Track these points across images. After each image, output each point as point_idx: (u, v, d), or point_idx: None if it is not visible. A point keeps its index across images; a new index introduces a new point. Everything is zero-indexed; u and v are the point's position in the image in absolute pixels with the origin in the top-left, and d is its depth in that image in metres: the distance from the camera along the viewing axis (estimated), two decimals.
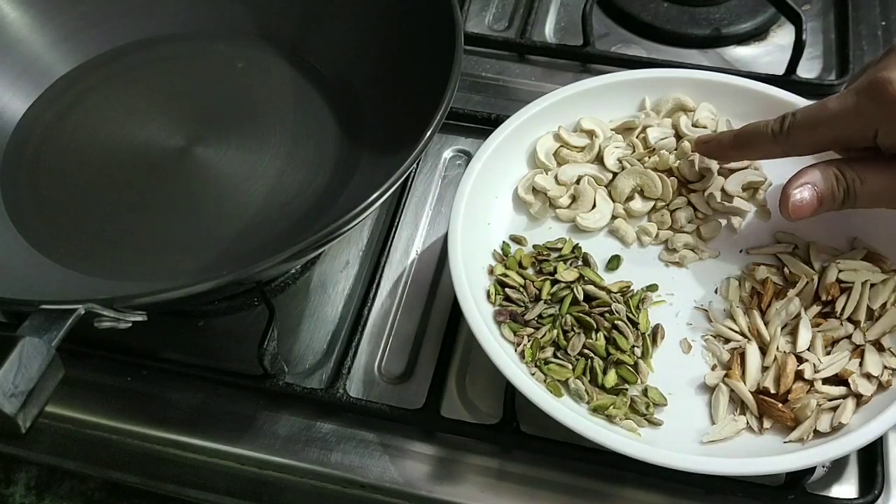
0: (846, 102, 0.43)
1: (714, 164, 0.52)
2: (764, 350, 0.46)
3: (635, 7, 0.69)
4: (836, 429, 0.43)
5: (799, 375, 0.45)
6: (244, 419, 0.49)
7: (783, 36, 0.68)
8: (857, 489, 0.46)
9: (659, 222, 0.52)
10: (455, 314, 0.51)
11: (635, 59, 0.64)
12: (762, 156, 0.49)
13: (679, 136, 0.54)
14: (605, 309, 0.48)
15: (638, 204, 0.52)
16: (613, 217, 0.53)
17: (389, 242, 0.55)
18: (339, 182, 0.54)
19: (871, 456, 0.46)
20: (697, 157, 0.52)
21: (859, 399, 0.44)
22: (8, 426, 0.34)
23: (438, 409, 0.48)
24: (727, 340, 0.47)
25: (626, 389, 0.45)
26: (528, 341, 0.46)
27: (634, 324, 0.47)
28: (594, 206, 0.52)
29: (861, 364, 0.45)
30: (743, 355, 0.46)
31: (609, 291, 0.48)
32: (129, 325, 0.38)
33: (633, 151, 0.54)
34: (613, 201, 0.53)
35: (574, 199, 0.53)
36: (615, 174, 0.53)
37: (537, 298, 0.48)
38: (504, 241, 0.52)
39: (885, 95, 0.41)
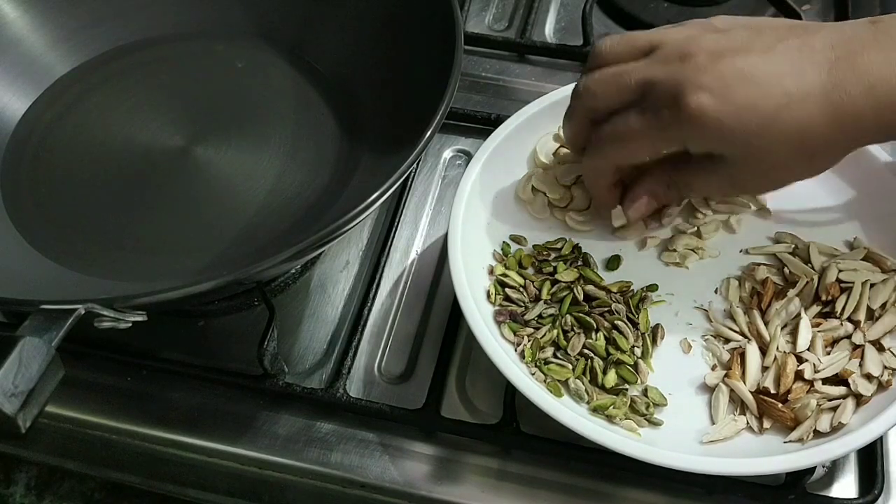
0: (650, 123, 0.43)
1: None
2: (764, 350, 0.46)
3: (635, 7, 0.69)
4: (836, 429, 0.43)
5: (799, 375, 0.45)
6: (244, 419, 0.49)
7: None
8: (857, 489, 0.46)
9: (647, 220, 0.52)
10: (455, 314, 0.51)
11: None
12: (594, 176, 0.49)
13: None
14: (605, 309, 0.48)
15: None
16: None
17: (389, 242, 0.55)
18: (339, 182, 0.54)
19: (871, 456, 0.46)
20: None
21: (859, 399, 0.44)
22: (8, 426, 0.34)
23: (438, 409, 0.48)
24: (727, 340, 0.47)
25: (626, 389, 0.45)
26: (528, 341, 0.46)
27: (634, 324, 0.47)
28: (589, 206, 0.52)
29: (861, 364, 0.45)
30: (743, 355, 0.46)
31: (609, 291, 0.48)
32: (129, 325, 0.38)
33: None
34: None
35: (573, 198, 0.53)
36: None
37: (537, 298, 0.48)
38: (504, 241, 0.52)
39: (687, 116, 0.41)
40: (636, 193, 0.49)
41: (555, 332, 0.47)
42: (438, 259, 0.55)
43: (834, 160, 0.44)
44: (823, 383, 0.44)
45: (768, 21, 0.45)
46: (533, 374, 0.45)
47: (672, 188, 0.48)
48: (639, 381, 0.46)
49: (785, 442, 0.43)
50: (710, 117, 0.41)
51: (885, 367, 0.44)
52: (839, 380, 0.45)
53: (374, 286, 0.53)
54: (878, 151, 0.51)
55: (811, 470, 0.44)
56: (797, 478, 0.44)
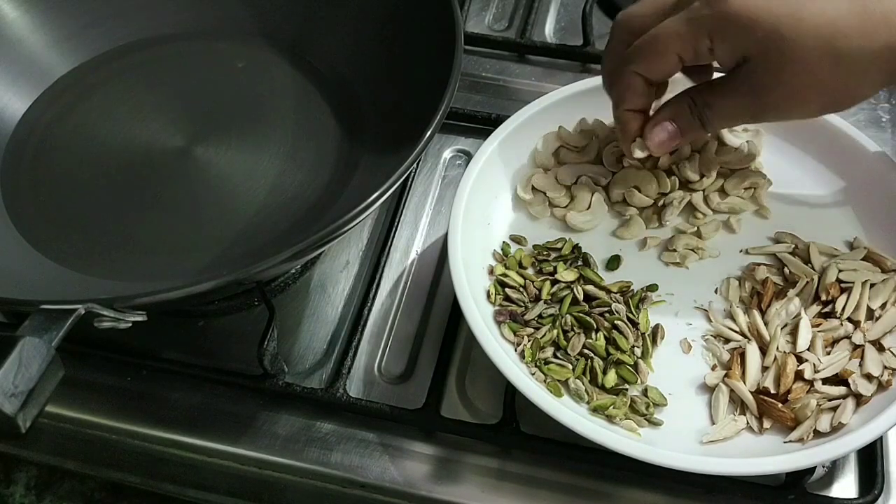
0: (680, 21, 0.43)
1: (714, 166, 0.52)
2: (764, 350, 0.46)
3: None
4: (836, 429, 0.43)
5: (799, 375, 0.45)
6: (244, 419, 0.49)
7: None
8: (857, 489, 0.46)
9: (647, 220, 0.52)
10: (455, 314, 0.51)
11: None
12: (626, 96, 0.48)
13: None
14: (605, 309, 0.48)
15: (634, 202, 0.52)
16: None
17: (389, 242, 0.55)
18: (339, 182, 0.54)
19: (871, 456, 0.46)
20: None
21: (859, 399, 0.44)
22: (8, 426, 0.34)
23: (438, 409, 0.48)
24: (727, 340, 0.47)
25: (626, 389, 0.45)
26: (528, 341, 0.46)
27: (634, 324, 0.47)
28: (589, 206, 0.52)
29: (861, 364, 0.45)
30: (743, 355, 0.46)
31: (609, 291, 0.48)
32: (129, 325, 0.38)
33: None
34: (612, 203, 0.53)
35: (573, 198, 0.53)
36: (615, 174, 0.53)
37: (537, 298, 0.48)
38: (504, 241, 0.52)
39: (714, 4, 0.42)
40: (658, 117, 0.48)
41: (555, 332, 0.47)
42: (438, 259, 0.55)
43: (867, 83, 0.43)
44: (823, 383, 0.44)
45: None
46: (533, 374, 0.45)
47: (693, 111, 0.46)
48: (639, 381, 0.46)
49: (785, 442, 0.43)
50: (739, 5, 0.41)
51: (885, 367, 0.44)
52: (839, 380, 0.45)
53: (374, 286, 0.53)
54: (879, 151, 0.51)
55: (811, 470, 0.44)
56: (797, 478, 0.44)
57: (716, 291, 0.50)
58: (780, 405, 0.44)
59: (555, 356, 0.46)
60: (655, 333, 0.48)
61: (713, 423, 0.45)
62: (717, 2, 0.42)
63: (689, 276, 0.50)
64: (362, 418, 0.49)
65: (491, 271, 0.50)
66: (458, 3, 0.53)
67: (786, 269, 0.49)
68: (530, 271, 0.50)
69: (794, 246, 0.50)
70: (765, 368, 0.46)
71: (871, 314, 0.46)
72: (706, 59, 0.44)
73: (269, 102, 0.59)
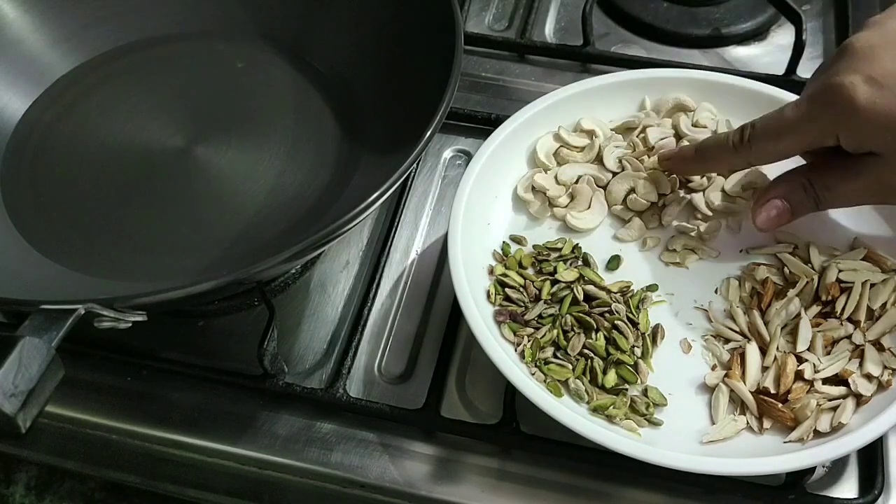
0: (802, 111, 0.43)
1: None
2: (764, 350, 0.46)
3: (635, 7, 0.69)
4: (836, 429, 0.43)
5: (799, 375, 0.45)
6: (244, 419, 0.49)
7: (783, 36, 0.68)
8: (857, 489, 0.46)
9: (647, 220, 0.52)
10: (455, 314, 0.51)
11: (635, 59, 0.64)
12: (725, 168, 0.50)
13: (679, 136, 0.54)
14: (605, 309, 0.48)
15: (633, 205, 0.52)
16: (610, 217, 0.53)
17: (389, 242, 0.55)
18: (339, 182, 0.54)
19: (871, 456, 0.46)
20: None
21: (859, 399, 0.44)
22: (8, 426, 0.34)
23: (438, 409, 0.48)
24: (727, 340, 0.47)
25: (626, 389, 0.45)
26: (528, 341, 0.46)
27: (634, 324, 0.47)
28: (589, 206, 0.52)
29: (861, 364, 0.45)
30: (743, 355, 0.46)
31: (609, 291, 0.48)
32: (129, 325, 0.38)
33: (633, 151, 0.54)
34: (612, 203, 0.53)
35: (573, 198, 0.53)
36: (615, 174, 0.53)
37: (537, 298, 0.48)
38: (504, 241, 0.52)
39: (839, 101, 0.41)
40: (768, 195, 0.47)
41: (555, 332, 0.47)
42: (438, 259, 0.55)
43: None
44: (823, 383, 0.44)
45: None
46: (533, 374, 0.45)
47: (808, 192, 0.46)
48: (639, 381, 0.46)
49: (785, 442, 0.43)
50: (867, 104, 0.40)
51: (885, 367, 0.44)
52: (839, 380, 0.45)
53: (374, 286, 0.53)
54: None
55: (811, 470, 0.44)
56: (797, 478, 0.44)
57: (716, 291, 0.50)
58: (780, 405, 0.44)
59: (555, 356, 0.46)
60: (655, 333, 0.48)
61: (713, 423, 0.45)
62: (840, 93, 0.41)
63: (689, 276, 0.50)
64: (362, 418, 0.49)
65: (491, 271, 0.50)
66: (458, 3, 0.53)
67: (786, 269, 0.49)
68: (530, 271, 0.50)
69: (794, 246, 0.50)
70: (765, 368, 0.46)
71: (871, 314, 0.46)
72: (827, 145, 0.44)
73: (270, 103, 0.59)
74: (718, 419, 0.44)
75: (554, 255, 0.50)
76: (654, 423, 0.44)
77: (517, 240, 0.52)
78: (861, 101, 0.40)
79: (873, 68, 0.40)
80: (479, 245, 0.50)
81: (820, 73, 0.44)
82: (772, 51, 0.67)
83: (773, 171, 0.53)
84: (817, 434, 0.43)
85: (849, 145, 0.43)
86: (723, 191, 0.52)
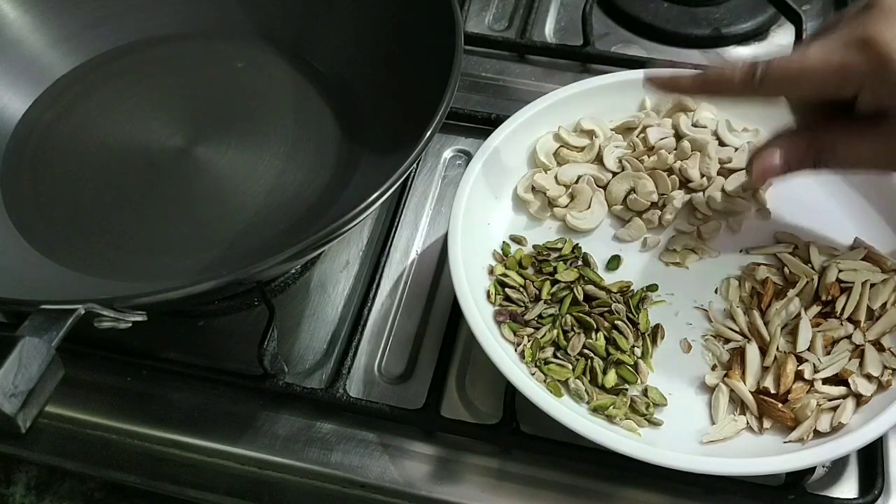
0: (831, 56, 0.40)
1: (714, 166, 0.52)
2: (764, 350, 0.46)
3: (635, 7, 0.69)
4: (836, 429, 0.43)
5: (799, 375, 0.45)
6: (244, 419, 0.49)
7: (783, 36, 0.68)
8: (857, 489, 0.46)
9: (647, 220, 0.52)
10: (455, 314, 0.51)
11: (635, 59, 0.64)
12: (725, 96, 0.46)
13: (679, 136, 0.54)
14: (605, 309, 0.48)
15: (633, 205, 0.52)
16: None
17: (389, 242, 0.55)
18: (339, 182, 0.54)
19: (871, 456, 0.46)
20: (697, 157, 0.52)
21: (859, 399, 0.44)
22: (8, 426, 0.34)
23: (438, 409, 0.48)
24: (727, 340, 0.47)
25: (626, 389, 0.45)
26: (528, 341, 0.46)
27: (634, 324, 0.47)
28: (589, 206, 0.52)
29: (861, 364, 0.45)
30: (743, 355, 0.46)
31: (609, 291, 0.48)
32: (129, 325, 0.38)
33: (633, 151, 0.54)
34: (612, 203, 0.53)
35: (573, 198, 0.53)
36: (615, 174, 0.53)
37: (537, 298, 0.48)
38: (504, 241, 0.52)
39: (874, 54, 0.39)
40: (769, 143, 0.44)
41: (555, 332, 0.47)
42: (438, 259, 0.55)
43: None
44: (823, 383, 0.44)
45: None
46: (533, 374, 0.45)
47: (810, 149, 0.43)
48: (639, 381, 0.46)
49: (785, 442, 0.43)
50: None
51: (885, 367, 0.44)
52: (839, 380, 0.45)
53: (374, 286, 0.53)
54: None
55: (811, 470, 0.44)
56: (797, 478, 0.44)
57: (716, 291, 0.50)
58: (780, 405, 0.44)
59: (555, 356, 0.46)
60: (655, 333, 0.48)
61: (713, 423, 0.45)
62: (870, 40, 0.39)
63: (689, 276, 0.50)
64: (362, 418, 0.49)
65: (491, 271, 0.50)
66: (458, 3, 0.53)
67: (786, 269, 0.49)
68: (530, 271, 0.50)
69: (794, 246, 0.50)
70: (765, 368, 0.46)
71: (871, 314, 0.46)
72: (842, 98, 0.41)
73: (269, 103, 0.59)
74: (718, 419, 0.45)
75: (554, 255, 0.50)
76: (654, 423, 0.44)
77: (517, 240, 0.52)
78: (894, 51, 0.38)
79: None
80: (479, 245, 0.50)
81: (838, 24, 0.41)
82: (772, 51, 0.67)
83: None
84: (817, 434, 0.43)
85: (867, 102, 0.40)
86: (723, 191, 0.52)
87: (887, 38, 0.38)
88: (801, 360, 0.45)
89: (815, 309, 0.47)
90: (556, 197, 0.52)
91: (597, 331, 0.47)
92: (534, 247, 0.51)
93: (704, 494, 0.46)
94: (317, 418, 0.49)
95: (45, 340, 0.35)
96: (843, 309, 0.46)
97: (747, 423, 0.44)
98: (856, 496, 0.45)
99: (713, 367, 0.47)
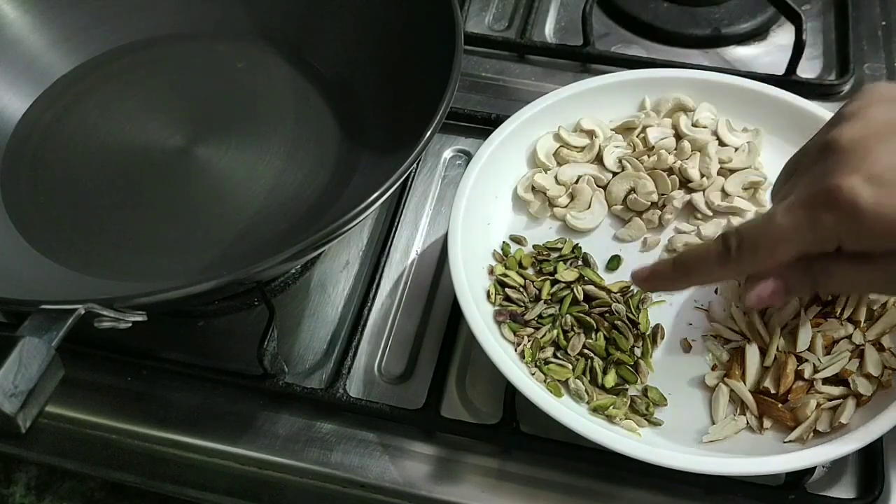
0: (797, 218, 0.38)
1: (714, 166, 0.52)
2: (764, 350, 0.46)
3: (635, 7, 0.69)
4: (836, 429, 0.43)
5: (799, 375, 0.45)
6: (244, 419, 0.49)
7: (783, 36, 0.68)
8: (857, 489, 0.46)
9: (648, 221, 0.52)
10: (455, 314, 0.51)
11: (635, 59, 0.64)
12: (713, 279, 0.45)
13: (679, 136, 0.54)
14: (605, 309, 0.48)
15: (633, 205, 0.52)
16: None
17: (389, 242, 0.55)
18: (339, 182, 0.54)
19: (871, 456, 0.46)
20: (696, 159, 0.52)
21: (859, 399, 0.44)
22: (8, 426, 0.34)
23: (438, 409, 0.48)
24: (727, 340, 0.47)
25: (626, 389, 0.45)
26: (528, 341, 0.46)
27: (634, 324, 0.47)
28: (589, 206, 0.52)
29: (861, 364, 0.45)
30: (743, 355, 0.46)
31: (609, 291, 0.48)
32: (129, 325, 0.38)
33: (633, 151, 0.54)
34: (612, 203, 0.53)
35: (573, 198, 0.53)
36: (615, 174, 0.53)
37: (537, 298, 0.48)
38: (504, 241, 0.52)
39: (840, 206, 0.36)
40: (762, 275, 0.41)
41: (555, 332, 0.47)
42: (438, 259, 0.55)
43: None
44: (823, 383, 0.44)
45: None
46: (533, 374, 0.45)
47: (807, 275, 0.40)
48: (639, 381, 0.46)
49: (785, 442, 0.43)
50: (873, 207, 0.36)
51: (885, 367, 0.44)
52: (839, 380, 0.45)
53: (374, 286, 0.53)
54: None
55: (811, 470, 0.44)
56: (797, 478, 0.44)
57: (716, 291, 0.50)
58: (780, 405, 0.44)
59: (555, 356, 0.46)
60: (655, 333, 0.48)
61: (713, 423, 0.45)
62: (836, 198, 0.36)
63: None
64: (362, 418, 0.49)
65: (491, 271, 0.50)
66: (458, 3, 0.53)
67: None
68: (530, 271, 0.50)
69: None
70: (765, 368, 0.46)
71: (871, 314, 0.46)
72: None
73: (269, 103, 0.59)
74: (718, 419, 0.45)
75: (554, 255, 0.50)
76: (654, 423, 0.44)
77: (517, 240, 0.52)
78: (865, 204, 0.36)
79: (871, 165, 0.36)
80: (479, 245, 0.50)
81: (798, 170, 0.41)
82: (772, 51, 0.67)
83: (773, 173, 0.53)
84: (817, 434, 0.43)
85: (854, 247, 0.38)
86: (723, 191, 0.52)
87: (851, 186, 0.36)
88: (801, 360, 0.45)
89: (815, 309, 0.47)
90: (556, 197, 0.52)
91: (597, 331, 0.47)
92: (534, 247, 0.51)
93: (704, 494, 0.46)
94: (317, 418, 0.49)
95: (45, 340, 0.35)
96: (843, 309, 0.46)
97: (747, 422, 0.44)
98: (856, 496, 0.45)
99: (713, 367, 0.47)
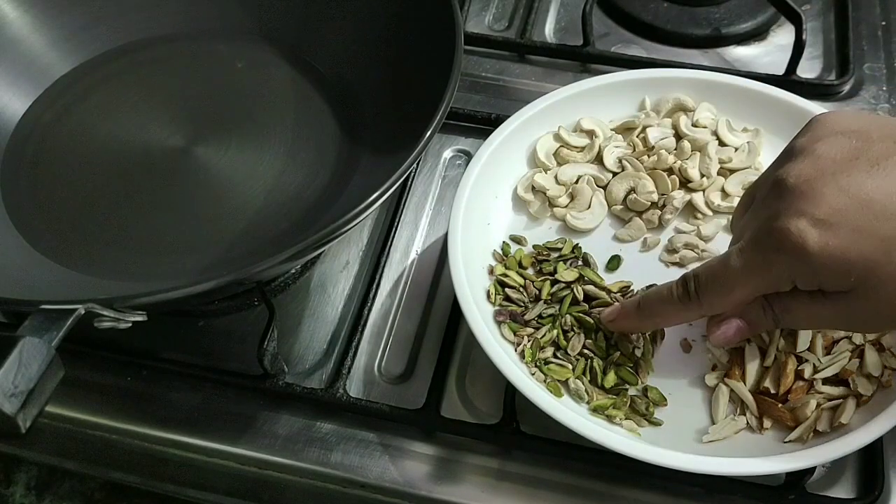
0: (748, 259, 0.39)
1: (714, 166, 0.52)
2: (764, 350, 0.46)
3: (635, 7, 0.69)
4: (836, 429, 0.43)
5: (799, 375, 0.45)
6: (244, 419, 0.49)
7: (783, 36, 0.68)
8: (857, 489, 0.46)
9: (648, 221, 0.52)
10: (455, 314, 0.51)
11: (635, 59, 0.64)
12: (674, 322, 0.46)
13: (679, 136, 0.54)
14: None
15: (633, 205, 0.52)
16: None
17: (389, 242, 0.55)
18: (339, 182, 0.54)
19: (871, 456, 0.46)
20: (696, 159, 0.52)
21: (859, 399, 0.44)
22: (8, 426, 0.34)
23: (438, 409, 0.48)
24: None
25: (626, 389, 0.45)
26: (528, 341, 0.46)
27: None
28: (589, 206, 0.52)
29: (861, 364, 0.45)
30: (743, 355, 0.46)
31: (609, 291, 0.48)
32: (129, 325, 0.38)
33: (633, 151, 0.54)
34: (612, 203, 0.53)
35: (573, 198, 0.53)
36: (615, 174, 0.53)
37: (537, 298, 0.48)
38: (504, 241, 0.52)
39: (789, 248, 0.37)
40: (724, 314, 0.43)
41: (555, 332, 0.47)
42: (438, 259, 0.55)
43: None
44: (823, 383, 0.44)
45: (865, 127, 0.39)
46: (533, 374, 0.45)
47: (767, 313, 0.41)
48: (639, 381, 0.46)
49: (785, 442, 0.43)
50: (820, 249, 0.36)
51: (885, 367, 0.44)
52: (839, 380, 0.45)
53: (374, 286, 0.53)
54: None
55: (811, 470, 0.44)
56: (797, 478, 0.44)
57: None
58: (780, 405, 0.44)
59: (555, 356, 0.46)
60: (655, 333, 0.48)
61: (713, 423, 0.45)
62: (785, 240, 0.37)
63: None
64: (362, 418, 0.49)
65: (491, 271, 0.50)
66: (458, 3, 0.53)
67: None
68: (530, 271, 0.50)
69: None
70: (765, 368, 0.46)
71: None
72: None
73: (269, 102, 0.59)
74: (718, 419, 0.45)
75: (554, 255, 0.50)
76: (654, 423, 0.44)
77: (517, 240, 0.52)
78: (813, 247, 0.36)
79: (817, 207, 0.36)
80: (479, 245, 0.50)
81: (753, 206, 0.41)
82: (772, 51, 0.67)
83: None
84: (817, 434, 0.43)
85: (808, 287, 0.39)
86: (723, 191, 0.52)
87: (799, 229, 0.37)
88: (801, 360, 0.45)
89: None
90: (556, 197, 0.52)
91: (597, 331, 0.47)
92: (534, 247, 0.51)
93: (704, 494, 0.46)
94: (317, 418, 0.49)
95: (45, 340, 0.35)
96: None
97: (747, 422, 0.44)
98: (856, 496, 0.45)
99: (713, 367, 0.47)
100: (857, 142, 0.38)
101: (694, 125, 0.54)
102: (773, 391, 0.44)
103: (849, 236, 0.36)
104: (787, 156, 0.40)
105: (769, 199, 0.39)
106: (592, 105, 0.55)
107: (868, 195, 0.36)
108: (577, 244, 0.51)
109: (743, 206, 0.44)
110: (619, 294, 0.48)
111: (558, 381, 0.45)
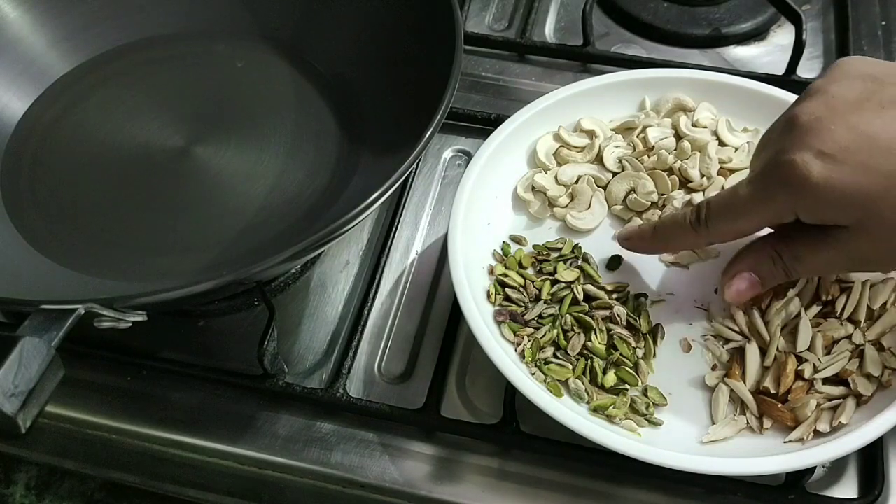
0: (755, 189, 0.41)
1: (714, 166, 0.52)
2: (764, 350, 0.46)
3: (635, 7, 0.69)
4: (836, 429, 0.43)
5: (799, 375, 0.45)
6: (244, 419, 0.49)
7: (783, 36, 0.68)
8: (857, 489, 0.46)
9: (648, 221, 0.52)
10: (455, 314, 0.51)
11: (635, 59, 0.64)
12: (684, 247, 0.48)
13: (679, 136, 0.54)
14: (607, 314, 0.47)
15: (633, 205, 0.52)
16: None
17: (389, 242, 0.55)
18: (339, 182, 0.54)
19: (871, 456, 0.46)
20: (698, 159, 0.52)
21: (859, 399, 0.44)
22: (8, 426, 0.34)
23: (438, 409, 0.48)
24: (727, 340, 0.47)
25: (626, 389, 0.45)
26: (528, 341, 0.46)
27: (635, 325, 0.47)
28: (589, 206, 0.52)
29: (861, 364, 0.45)
30: (743, 355, 0.46)
31: (609, 291, 0.48)
32: (129, 325, 0.38)
33: (633, 151, 0.54)
34: (612, 203, 0.53)
35: (573, 198, 0.53)
36: (615, 174, 0.53)
37: (537, 298, 0.48)
38: (504, 241, 0.52)
39: (793, 180, 0.39)
40: (736, 269, 0.45)
41: (555, 332, 0.47)
42: (438, 259, 0.55)
43: None
44: (823, 383, 0.44)
45: (881, 73, 0.40)
46: (533, 374, 0.45)
47: (777, 263, 0.43)
48: (639, 381, 0.46)
49: (785, 442, 0.43)
50: (823, 181, 0.38)
51: (885, 367, 0.44)
52: (839, 380, 0.45)
53: (374, 286, 0.53)
54: None
55: (811, 470, 0.44)
56: (797, 478, 0.44)
57: (716, 291, 0.50)
58: (780, 405, 0.44)
59: (555, 356, 0.46)
60: (655, 333, 0.48)
61: (713, 423, 0.45)
62: (791, 171, 0.38)
63: (689, 276, 0.50)
64: (362, 418, 0.49)
65: (491, 271, 0.50)
66: (458, 3, 0.53)
67: None
68: (530, 271, 0.50)
69: None
70: (765, 368, 0.46)
71: (871, 314, 0.46)
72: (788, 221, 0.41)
73: (269, 102, 0.59)
74: (718, 419, 0.45)
75: (554, 255, 0.50)
76: (654, 423, 0.44)
77: (517, 240, 0.52)
78: (816, 179, 0.38)
79: (824, 142, 0.38)
80: (479, 245, 0.50)
81: (767, 144, 0.42)
82: (772, 51, 0.67)
83: None
84: (817, 434, 0.43)
85: (810, 220, 0.40)
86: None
87: (804, 162, 0.38)
88: (801, 360, 0.45)
89: (815, 309, 0.47)
90: (556, 197, 0.52)
91: (597, 331, 0.47)
92: (534, 247, 0.51)
93: (704, 494, 0.46)
94: (317, 418, 0.49)
95: (45, 340, 0.35)
96: (843, 309, 0.46)
97: (747, 422, 0.44)
98: (856, 496, 0.45)
99: (713, 367, 0.47)
100: (871, 84, 0.39)
101: (694, 125, 0.54)
102: (773, 391, 0.44)
103: (852, 171, 0.37)
104: (804, 96, 0.42)
105: (782, 134, 0.41)
106: (592, 105, 0.55)
107: (874, 133, 0.38)
108: (577, 244, 0.51)
109: (760, 147, 0.44)
110: (615, 294, 0.48)
111: (558, 381, 0.45)
